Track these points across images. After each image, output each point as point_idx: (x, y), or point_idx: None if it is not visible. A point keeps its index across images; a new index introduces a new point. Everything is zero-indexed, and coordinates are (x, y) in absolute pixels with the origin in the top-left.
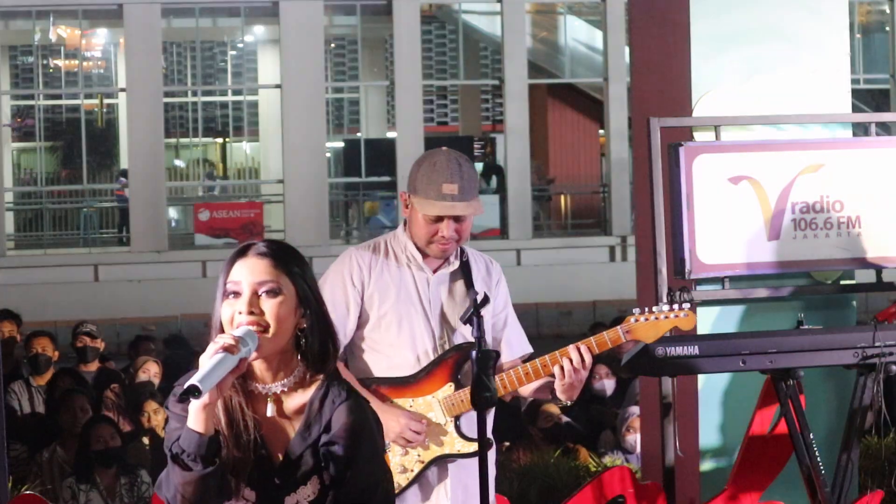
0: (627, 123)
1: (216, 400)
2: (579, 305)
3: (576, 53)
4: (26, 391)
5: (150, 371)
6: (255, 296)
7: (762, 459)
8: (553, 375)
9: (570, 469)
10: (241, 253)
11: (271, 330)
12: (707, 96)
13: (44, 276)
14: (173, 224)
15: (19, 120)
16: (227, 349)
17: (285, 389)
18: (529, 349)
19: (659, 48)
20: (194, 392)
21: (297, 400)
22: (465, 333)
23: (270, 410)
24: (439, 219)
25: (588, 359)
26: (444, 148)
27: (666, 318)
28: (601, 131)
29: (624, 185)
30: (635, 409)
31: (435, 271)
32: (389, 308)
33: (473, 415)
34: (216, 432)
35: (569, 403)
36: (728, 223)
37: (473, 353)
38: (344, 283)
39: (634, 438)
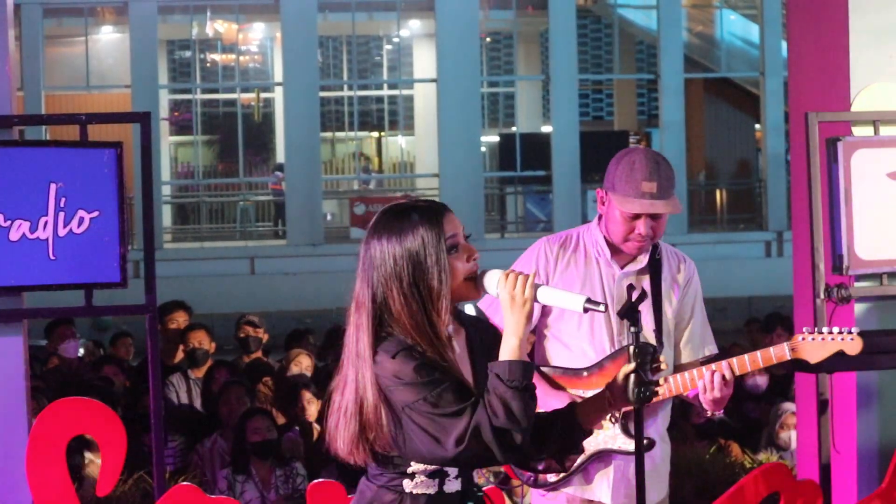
0: (784, 118)
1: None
2: (734, 301)
3: (732, 48)
4: (184, 383)
5: (303, 364)
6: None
7: None
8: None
9: (726, 465)
10: (441, 210)
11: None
12: (866, 90)
13: (200, 268)
14: (329, 217)
15: (177, 114)
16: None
17: (454, 328)
18: (714, 350)
19: (817, 42)
20: (600, 304)
21: (458, 335)
22: (645, 332)
23: (458, 347)
24: (636, 216)
25: (728, 376)
26: (641, 146)
27: (833, 339)
28: (757, 126)
29: (780, 180)
30: (789, 406)
31: (623, 267)
32: None
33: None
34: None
35: (718, 415)
36: (887, 219)
37: (630, 349)
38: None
39: (788, 435)
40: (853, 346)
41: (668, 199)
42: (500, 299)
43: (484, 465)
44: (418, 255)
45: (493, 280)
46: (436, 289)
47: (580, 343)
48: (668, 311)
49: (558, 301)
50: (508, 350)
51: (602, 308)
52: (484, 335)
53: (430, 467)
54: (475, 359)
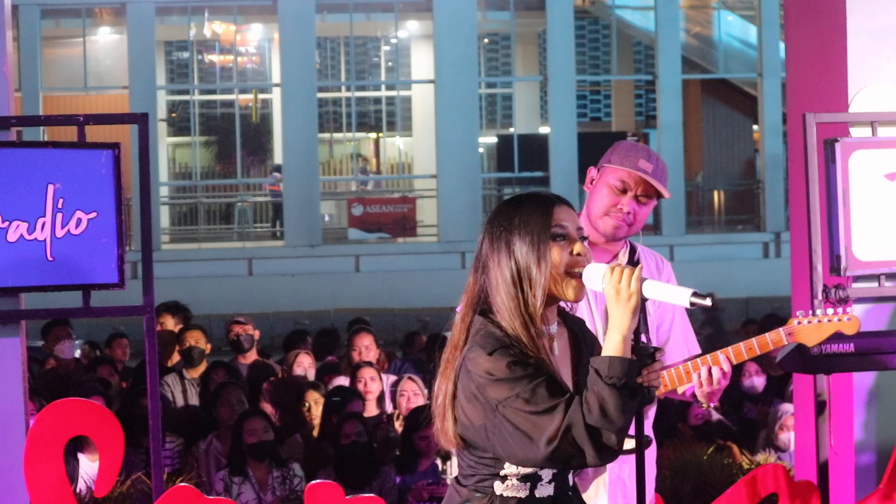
0: (782, 119)
1: None
2: (732, 302)
3: (730, 49)
4: (179, 384)
5: (304, 363)
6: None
7: None
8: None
9: (724, 467)
10: (552, 200)
11: None
12: (864, 91)
13: (198, 269)
14: (327, 219)
15: (174, 115)
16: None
17: (557, 329)
18: (697, 350)
19: (815, 43)
20: (706, 298)
21: (562, 336)
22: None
23: (557, 348)
24: (624, 191)
25: (727, 368)
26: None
27: (829, 321)
28: (755, 127)
29: (778, 181)
30: (788, 408)
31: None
32: None
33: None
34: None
35: (711, 406)
36: (884, 220)
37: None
38: None
39: (787, 436)
40: (850, 325)
41: (661, 181)
42: (605, 294)
43: (576, 465)
44: (521, 239)
45: (598, 274)
46: (534, 272)
47: None
48: (652, 310)
49: (664, 295)
50: (612, 346)
51: (708, 301)
52: (586, 338)
53: (523, 470)
54: (578, 361)
